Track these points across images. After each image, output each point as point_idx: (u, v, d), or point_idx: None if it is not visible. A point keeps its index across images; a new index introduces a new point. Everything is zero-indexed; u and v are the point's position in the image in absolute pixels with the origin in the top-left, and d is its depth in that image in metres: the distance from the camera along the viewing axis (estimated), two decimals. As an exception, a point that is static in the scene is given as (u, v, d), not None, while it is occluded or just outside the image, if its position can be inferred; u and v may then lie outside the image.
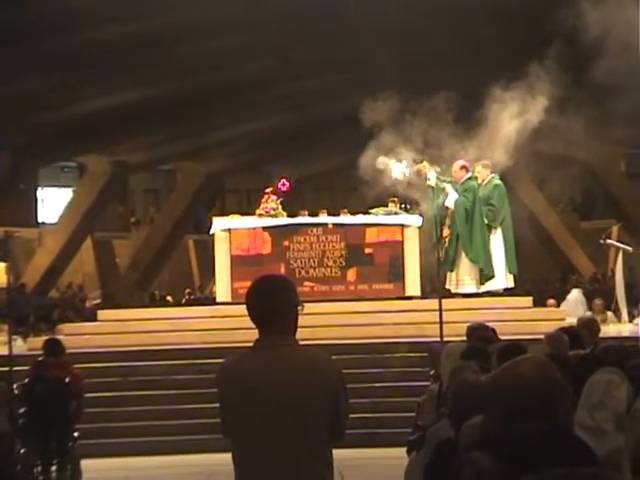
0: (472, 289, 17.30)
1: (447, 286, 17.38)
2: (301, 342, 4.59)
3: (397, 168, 17.88)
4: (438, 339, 11.88)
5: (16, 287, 26.43)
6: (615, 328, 17.14)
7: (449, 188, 17.39)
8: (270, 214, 17.80)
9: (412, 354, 14.67)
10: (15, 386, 11.11)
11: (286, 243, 17.69)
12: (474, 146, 17.96)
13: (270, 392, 4.35)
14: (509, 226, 17.70)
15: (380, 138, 18.03)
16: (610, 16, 15.60)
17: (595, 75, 16.53)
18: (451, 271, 17.41)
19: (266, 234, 17.70)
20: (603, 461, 3.16)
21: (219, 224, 18.01)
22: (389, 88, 18.36)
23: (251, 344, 4.59)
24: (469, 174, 17.52)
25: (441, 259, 16.69)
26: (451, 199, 17.32)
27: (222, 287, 17.75)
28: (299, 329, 4.54)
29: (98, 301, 30.67)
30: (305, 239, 17.71)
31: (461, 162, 17.59)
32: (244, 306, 4.57)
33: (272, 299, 4.48)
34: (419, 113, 18.16)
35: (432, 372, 10.42)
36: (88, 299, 32.10)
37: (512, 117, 17.65)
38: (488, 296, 17.13)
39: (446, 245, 17.36)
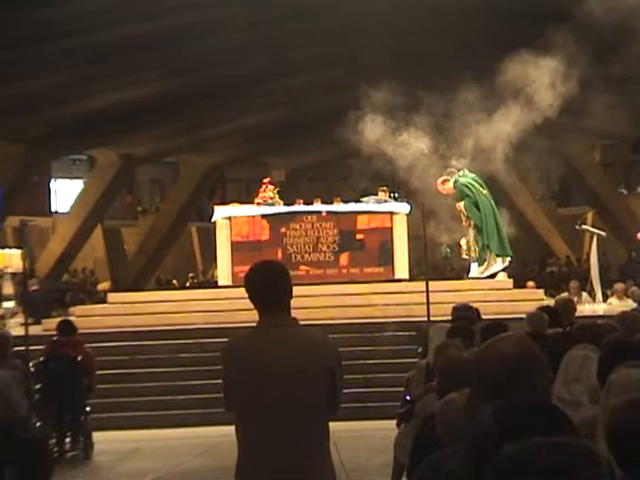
0: (498, 267, 17.53)
1: (472, 275, 17.61)
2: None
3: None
4: (425, 319, 11.88)
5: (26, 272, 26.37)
6: (590, 307, 17.16)
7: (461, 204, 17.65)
8: (268, 203, 17.81)
9: (401, 333, 14.69)
10: (31, 364, 11.11)
11: (283, 230, 17.70)
12: (461, 140, 18.06)
13: (275, 369, 4.36)
14: (490, 214, 17.76)
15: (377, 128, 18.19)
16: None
17: (579, 70, 16.57)
18: (480, 265, 17.53)
19: (264, 221, 17.71)
20: (579, 431, 3.17)
21: (220, 212, 18.01)
22: (380, 83, 18.40)
23: (250, 324, 4.59)
24: (452, 179, 17.69)
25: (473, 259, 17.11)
26: (462, 206, 17.54)
27: (223, 271, 17.78)
28: (296, 310, 4.56)
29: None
30: (300, 226, 17.72)
31: (439, 180, 17.81)
32: (244, 288, 4.58)
33: (280, 281, 4.51)
34: (409, 107, 18.21)
35: (420, 349, 10.44)
36: (99, 282, 32.13)
37: (499, 113, 17.72)
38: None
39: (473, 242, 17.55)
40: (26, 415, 8.79)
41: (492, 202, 17.77)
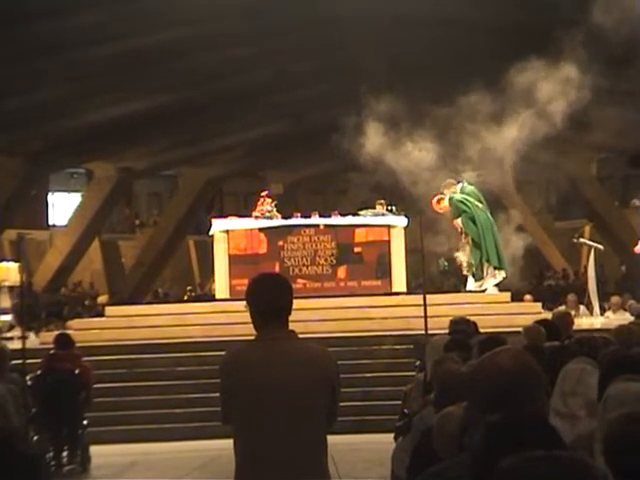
0: (495, 280, 17.53)
1: (469, 288, 17.62)
2: (295, 335, 4.59)
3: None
4: (423, 332, 11.86)
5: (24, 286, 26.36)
6: (587, 321, 17.14)
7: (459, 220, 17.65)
8: (266, 216, 17.80)
9: (399, 346, 14.66)
10: (28, 377, 11.09)
11: (281, 243, 17.69)
12: (460, 152, 18.08)
13: (273, 382, 4.36)
14: (488, 227, 17.75)
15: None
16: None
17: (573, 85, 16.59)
18: (477, 281, 17.52)
19: (262, 235, 17.70)
20: (576, 445, 3.17)
21: (218, 225, 18.01)
22: (380, 95, 18.44)
23: (248, 337, 4.58)
24: (447, 197, 17.68)
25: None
26: (459, 222, 17.53)
27: (221, 284, 17.75)
28: (293, 323, 4.55)
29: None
30: (298, 239, 17.71)
31: (434, 200, 17.79)
32: (242, 302, 4.56)
33: (284, 296, 4.51)
34: (407, 120, 18.24)
35: (417, 363, 10.42)
36: (99, 295, 32.13)
37: (498, 126, 17.74)
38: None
39: (470, 258, 17.54)
40: (21, 428, 8.76)
41: (489, 215, 17.76)
